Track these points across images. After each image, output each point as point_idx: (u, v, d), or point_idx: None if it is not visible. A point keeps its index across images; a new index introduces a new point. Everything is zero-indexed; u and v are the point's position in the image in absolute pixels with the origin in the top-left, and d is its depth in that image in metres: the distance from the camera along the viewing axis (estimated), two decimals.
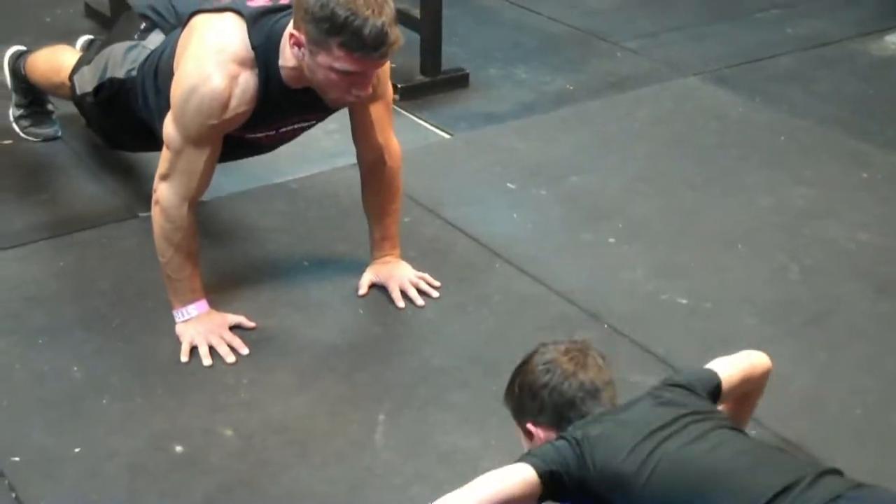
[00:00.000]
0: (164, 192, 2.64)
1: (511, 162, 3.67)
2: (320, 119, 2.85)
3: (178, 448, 2.42)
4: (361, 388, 2.62)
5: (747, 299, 2.98)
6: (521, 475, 1.93)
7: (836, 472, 1.91)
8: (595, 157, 3.71)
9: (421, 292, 2.94)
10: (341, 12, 2.36)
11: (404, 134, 3.75)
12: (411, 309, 2.90)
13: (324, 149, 3.66)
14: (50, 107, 3.70)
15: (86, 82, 3.09)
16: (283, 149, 3.38)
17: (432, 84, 4.14)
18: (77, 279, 3.00)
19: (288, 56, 2.52)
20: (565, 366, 2.07)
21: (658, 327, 2.86)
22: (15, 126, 3.69)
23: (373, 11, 2.37)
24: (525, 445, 2.13)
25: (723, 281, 3.06)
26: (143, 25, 2.99)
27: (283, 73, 2.56)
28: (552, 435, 2.04)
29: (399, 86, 4.05)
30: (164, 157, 2.63)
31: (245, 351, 2.71)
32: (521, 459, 1.96)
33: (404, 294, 2.93)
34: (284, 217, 3.32)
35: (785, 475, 1.84)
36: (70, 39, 3.68)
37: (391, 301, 2.91)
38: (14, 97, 3.67)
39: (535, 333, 2.78)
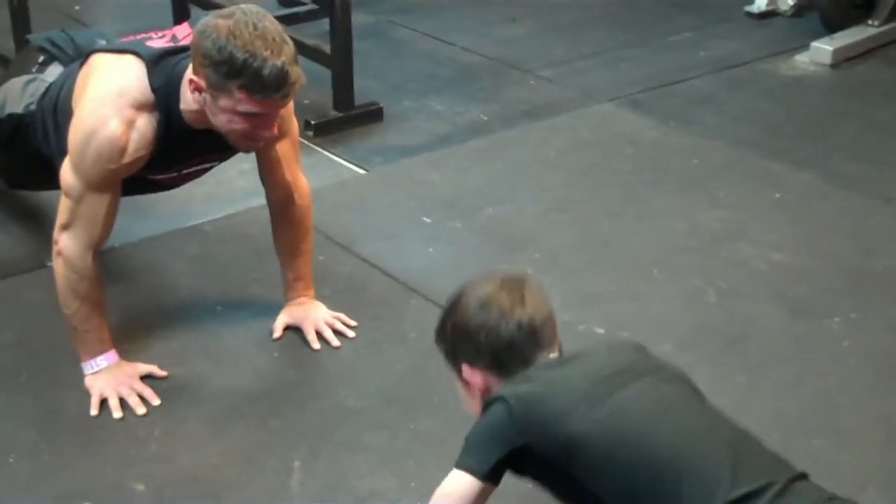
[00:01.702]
0: (66, 242, 2.58)
1: (426, 195, 3.65)
2: (224, 159, 2.81)
3: None
4: (276, 435, 2.57)
5: (664, 325, 2.97)
6: (466, 489, 1.82)
7: (805, 476, 1.80)
8: (510, 188, 3.70)
9: (336, 332, 2.90)
10: (239, 55, 2.32)
11: (318, 171, 3.74)
12: (327, 350, 2.86)
13: (238, 189, 3.62)
14: None
15: None
16: (196, 190, 3.35)
17: (346, 119, 4.11)
18: None
19: (189, 99, 2.48)
20: (501, 302, 1.90)
21: None
22: None
23: (272, 52, 2.33)
24: (460, 391, 2.00)
25: (639, 308, 3.06)
26: (41, 59, 2.94)
27: (185, 115, 2.52)
28: (490, 380, 1.92)
29: (312, 122, 4.02)
30: (64, 206, 2.57)
31: (156, 401, 2.65)
32: (460, 460, 1.84)
33: (319, 335, 2.89)
34: (197, 261, 3.26)
35: (756, 473, 1.73)
36: None
37: (306, 343, 2.87)
38: None
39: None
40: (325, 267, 3.16)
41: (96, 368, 2.69)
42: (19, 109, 2.88)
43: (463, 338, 1.94)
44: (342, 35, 4.03)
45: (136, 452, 2.50)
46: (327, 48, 4.09)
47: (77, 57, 2.80)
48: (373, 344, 2.89)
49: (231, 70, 2.34)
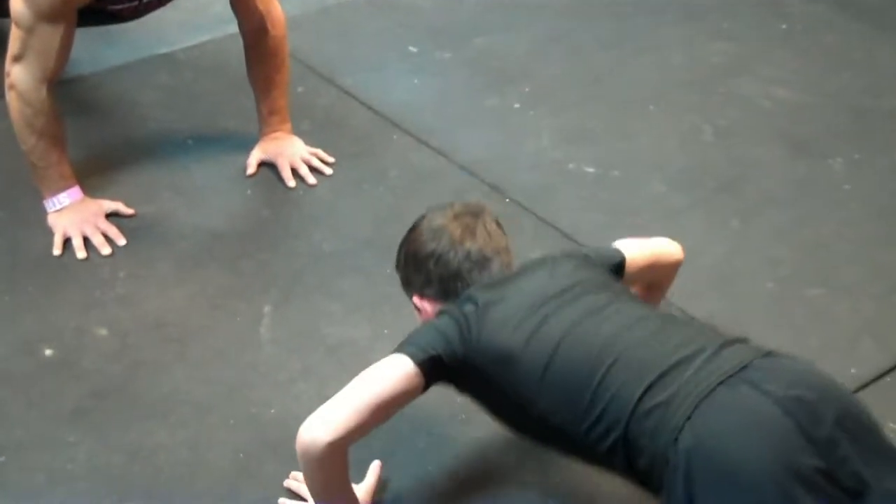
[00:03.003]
0: (18, 74, 2.42)
1: (414, 23, 3.46)
2: None
3: (48, 351, 2.25)
4: (246, 278, 2.45)
5: (658, 166, 2.83)
6: (399, 371, 1.75)
7: (743, 340, 1.72)
8: (502, 16, 3.50)
9: (313, 169, 2.77)
10: None
11: None
12: (302, 188, 2.72)
13: (214, 14, 3.42)
14: None
15: None
16: (170, 15, 3.16)
17: None
18: None
19: None
20: (453, 233, 1.88)
21: (564, 199, 2.72)
22: None
23: None
24: (418, 319, 1.96)
25: (632, 146, 2.91)
26: None
27: None
28: (439, 308, 1.87)
29: None
30: (15, 36, 2.40)
31: (122, 241, 2.53)
32: (398, 348, 1.79)
33: (295, 172, 2.75)
34: (168, 91, 3.10)
35: (686, 345, 1.66)
36: None
37: (281, 180, 2.73)
38: None
39: None
40: (304, 99, 3.00)
41: (59, 206, 2.56)
42: None
43: (414, 266, 1.93)
44: None
45: (100, 295, 2.40)
46: None
47: None
48: (351, 182, 2.76)
49: None
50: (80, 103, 2.98)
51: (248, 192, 2.73)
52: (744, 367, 1.60)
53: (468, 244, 1.87)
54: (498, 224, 1.94)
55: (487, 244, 1.88)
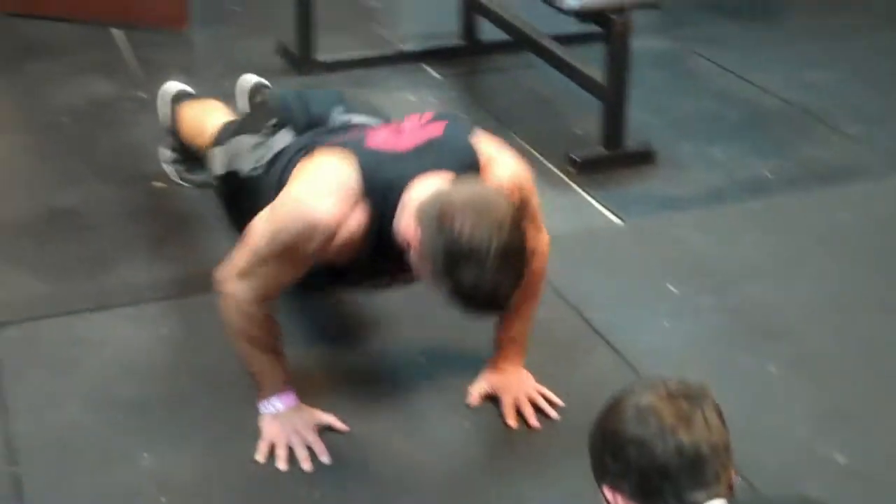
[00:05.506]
0: (238, 288, 2.40)
1: (681, 259, 3.28)
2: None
3: None
4: None
5: None
6: None
7: None
8: (779, 266, 3.26)
9: (538, 409, 2.61)
10: (465, 279, 2.13)
11: (569, 213, 3.47)
12: (523, 429, 2.57)
13: None
14: None
15: (216, 164, 2.92)
16: None
17: (612, 158, 3.79)
18: (177, 350, 2.82)
19: (405, 223, 2.26)
20: (664, 416, 1.59)
21: (804, 488, 2.43)
22: (169, 169, 3.55)
23: (490, 271, 2.12)
24: None
25: (894, 439, 2.59)
26: (273, 122, 2.79)
27: (399, 229, 2.29)
28: None
29: (575, 158, 3.73)
30: (246, 255, 2.39)
31: (326, 458, 2.44)
32: None
33: (518, 410, 2.60)
34: (412, 301, 3.02)
35: None
36: (259, 75, 3.57)
37: (502, 416, 2.59)
38: (169, 138, 3.54)
39: None
40: (546, 326, 2.86)
41: (272, 410, 2.51)
42: (245, 170, 2.76)
43: (611, 449, 1.63)
44: (618, 65, 3.69)
45: None
46: (600, 77, 3.76)
47: (308, 125, 2.71)
48: (576, 430, 2.51)
49: (450, 284, 2.17)
50: (323, 303, 2.97)
51: (466, 424, 2.60)
52: None
53: (682, 435, 1.57)
54: (720, 415, 1.63)
55: (705, 438, 1.58)
